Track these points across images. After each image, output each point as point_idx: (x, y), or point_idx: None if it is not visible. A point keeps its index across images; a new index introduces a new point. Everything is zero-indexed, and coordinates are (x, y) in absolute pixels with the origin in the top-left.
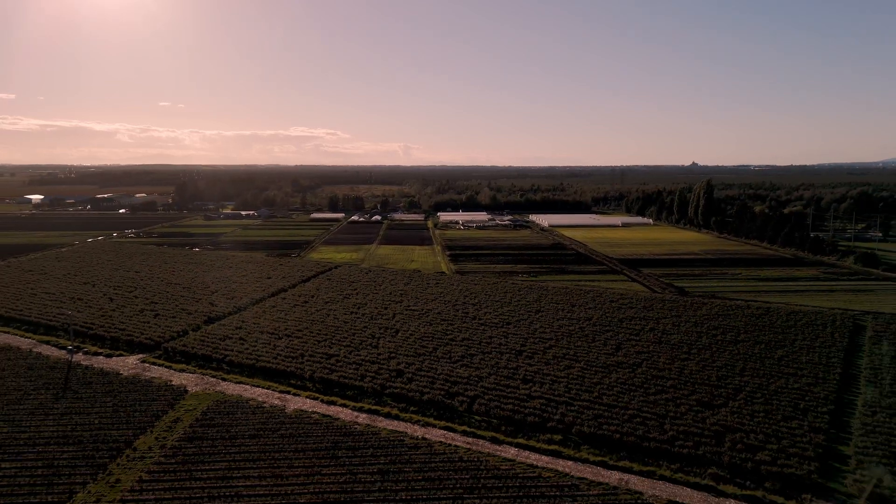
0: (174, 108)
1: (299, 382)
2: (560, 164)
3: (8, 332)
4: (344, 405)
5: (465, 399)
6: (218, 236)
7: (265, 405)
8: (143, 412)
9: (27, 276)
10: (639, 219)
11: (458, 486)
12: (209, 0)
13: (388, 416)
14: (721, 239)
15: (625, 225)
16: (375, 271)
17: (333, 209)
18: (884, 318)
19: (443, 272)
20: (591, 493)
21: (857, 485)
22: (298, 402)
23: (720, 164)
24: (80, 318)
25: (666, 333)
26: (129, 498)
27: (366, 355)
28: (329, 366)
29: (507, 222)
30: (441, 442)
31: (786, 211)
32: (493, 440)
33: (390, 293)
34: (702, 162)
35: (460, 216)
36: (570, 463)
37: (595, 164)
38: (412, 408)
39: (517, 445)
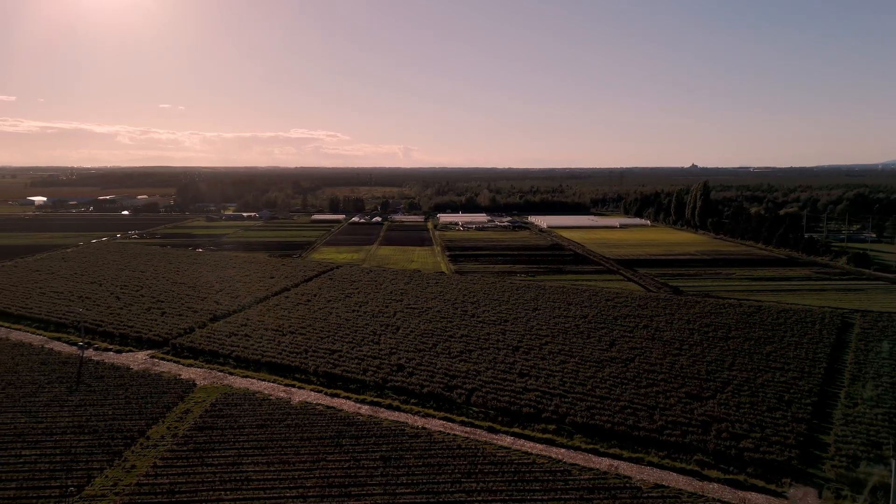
0: (174, 109)
1: (303, 376)
2: (560, 166)
3: (20, 330)
4: (347, 398)
5: (463, 392)
6: (220, 237)
7: (271, 397)
8: (154, 404)
9: (35, 275)
10: (636, 220)
11: (456, 471)
12: (209, 2)
13: (389, 407)
14: (717, 240)
15: (622, 226)
16: (376, 271)
17: (334, 211)
18: (872, 316)
19: (442, 272)
20: (582, 477)
21: (833, 470)
22: (303, 395)
23: (720, 166)
24: (89, 315)
25: (659, 330)
26: (144, 482)
27: (368, 351)
28: (332, 361)
29: (506, 223)
30: (440, 431)
31: (781, 212)
32: (490, 430)
33: (391, 292)
34: (701, 164)
35: (460, 217)
36: (562, 450)
37: (595, 166)
38: (413, 400)
39: (513, 434)
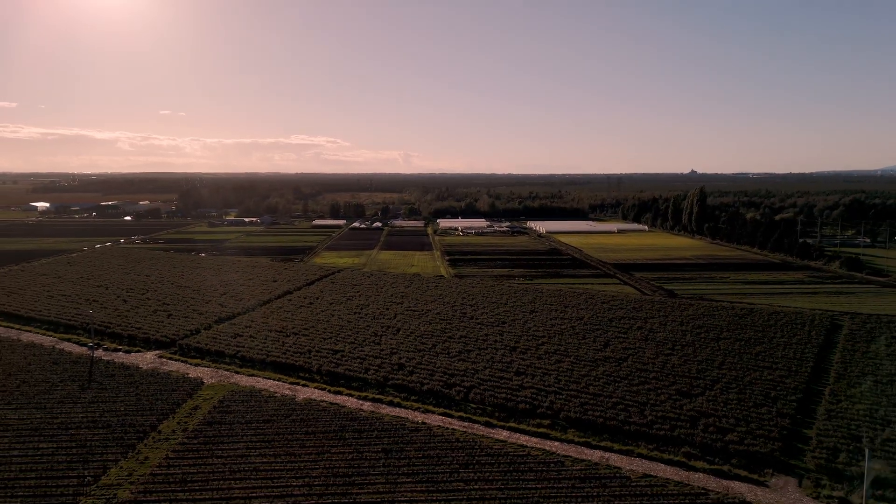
0: (175, 116)
1: (307, 375)
2: (559, 172)
3: (30, 331)
4: (349, 395)
5: (461, 389)
6: (223, 242)
7: (277, 395)
8: (164, 401)
9: (42, 279)
10: (634, 225)
11: (454, 462)
12: (210, 9)
13: (390, 403)
14: (713, 245)
15: (620, 231)
16: (377, 275)
17: (335, 216)
18: (860, 318)
19: (442, 276)
20: (574, 468)
21: (813, 461)
22: (307, 392)
23: (719, 172)
24: (98, 317)
25: (652, 332)
26: (158, 472)
27: (369, 351)
28: (335, 360)
29: (505, 229)
30: (439, 426)
31: (777, 218)
32: (487, 424)
33: (391, 295)
34: (701, 169)
35: (459, 223)
36: (556, 443)
37: (594, 172)
38: (413, 397)
39: (509, 429)
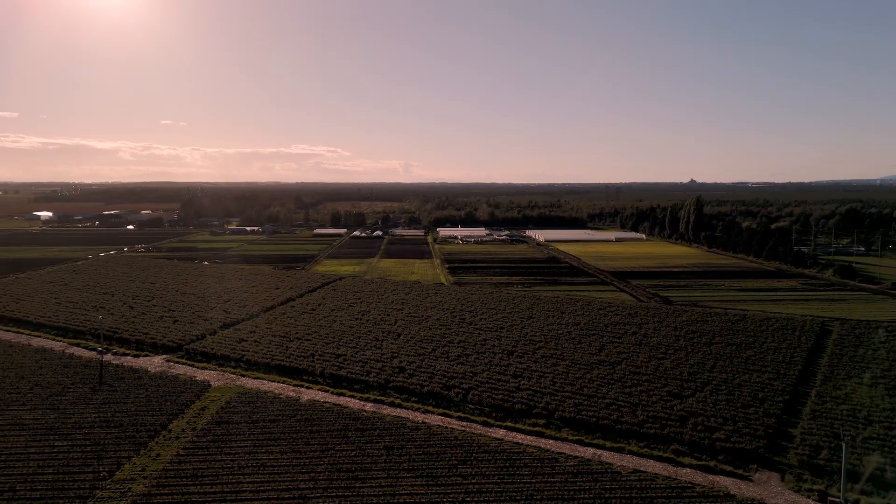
0: (176, 125)
1: (311, 378)
2: (559, 182)
3: (40, 336)
4: (352, 396)
5: (460, 391)
6: (225, 251)
7: (282, 396)
8: (173, 402)
9: (49, 287)
10: (632, 234)
11: (453, 458)
12: (211, 19)
13: (391, 404)
14: (710, 253)
15: (618, 240)
16: (378, 283)
17: (336, 225)
18: (850, 324)
19: (441, 283)
20: (567, 464)
21: (796, 457)
22: (311, 394)
23: (718, 182)
24: (105, 323)
25: (647, 337)
26: (170, 468)
27: (371, 355)
28: (337, 364)
29: (504, 237)
30: (439, 425)
31: (772, 226)
32: (485, 423)
33: (392, 302)
34: (700, 179)
35: (459, 231)
36: (551, 441)
37: (594, 182)
38: (413, 398)
39: (506, 428)
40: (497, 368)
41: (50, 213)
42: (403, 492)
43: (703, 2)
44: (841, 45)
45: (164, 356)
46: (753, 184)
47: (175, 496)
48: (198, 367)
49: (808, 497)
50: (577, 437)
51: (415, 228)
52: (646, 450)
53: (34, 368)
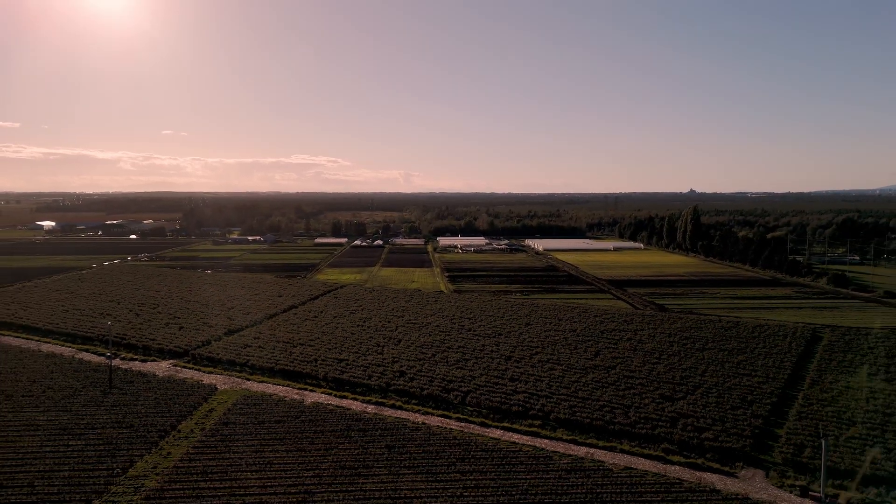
0: (177, 136)
1: (314, 382)
2: (559, 191)
3: (50, 342)
4: (354, 399)
5: (459, 394)
6: (227, 260)
7: (286, 398)
8: (181, 404)
9: (55, 295)
10: (630, 243)
11: (451, 456)
12: (212, 30)
13: (392, 406)
14: (707, 262)
15: (616, 249)
16: (378, 291)
17: (337, 234)
18: (840, 331)
19: (441, 291)
20: (561, 462)
21: (781, 455)
22: (315, 397)
23: (718, 192)
24: (113, 329)
25: (641, 342)
26: (181, 465)
27: (372, 360)
28: (340, 368)
29: (503, 246)
30: (438, 426)
31: (769, 236)
32: (483, 424)
33: (393, 309)
34: (700, 189)
35: (459, 241)
36: (546, 441)
37: (593, 192)
38: (413, 401)
39: (503, 428)
40: (495, 372)
41: (53, 223)
42: (404, 487)
43: (702, 12)
44: (842, 56)
45: (171, 361)
46: (753, 194)
47: (186, 491)
48: (204, 372)
49: (790, 492)
50: (572, 437)
51: (415, 238)
52: (637, 449)
53: (45, 373)
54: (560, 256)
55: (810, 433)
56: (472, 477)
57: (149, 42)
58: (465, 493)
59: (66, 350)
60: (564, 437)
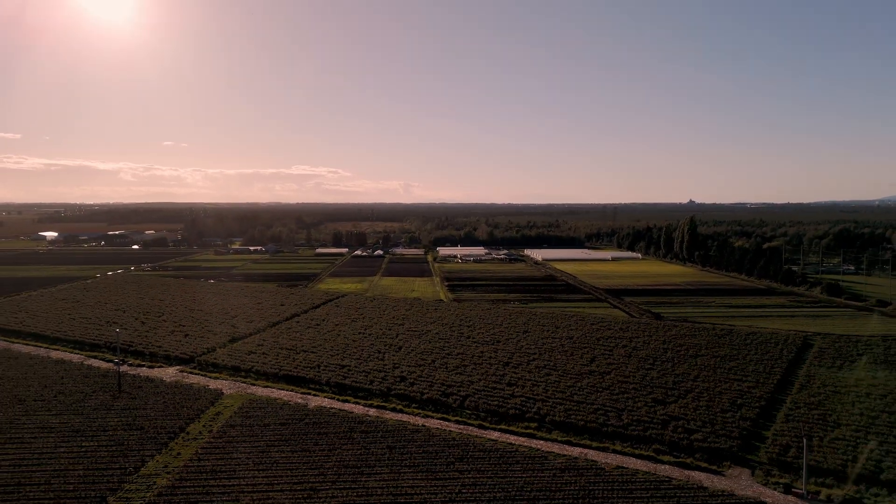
0: (177, 147)
1: (317, 387)
2: (558, 202)
3: (58, 349)
4: (356, 403)
5: (458, 398)
6: (230, 269)
7: (290, 403)
8: (189, 408)
9: (62, 303)
10: (628, 253)
11: (450, 456)
12: (213, 41)
13: (393, 410)
14: (703, 272)
15: (614, 259)
16: (379, 299)
17: (337, 244)
18: (831, 338)
19: (441, 300)
20: (556, 461)
21: (766, 455)
22: (318, 401)
23: (718, 202)
24: (120, 337)
25: (636, 349)
26: (190, 465)
27: (373, 366)
28: (342, 374)
29: (502, 256)
30: (437, 428)
31: (765, 246)
32: (480, 427)
33: (393, 317)
34: (699, 199)
35: (458, 251)
36: (541, 442)
37: (593, 202)
38: (414, 405)
39: (500, 430)
40: (493, 378)
41: (55, 234)
42: (405, 484)
43: (702, 22)
44: (843, 66)
45: (178, 367)
46: (752, 204)
47: (197, 488)
48: (210, 377)
49: (774, 489)
50: (566, 439)
51: (415, 248)
52: (629, 449)
53: (55, 378)
54: (559, 266)
55: (796, 434)
56: (470, 475)
57: (150, 54)
58: (464, 490)
59: (75, 357)
60: (559, 439)
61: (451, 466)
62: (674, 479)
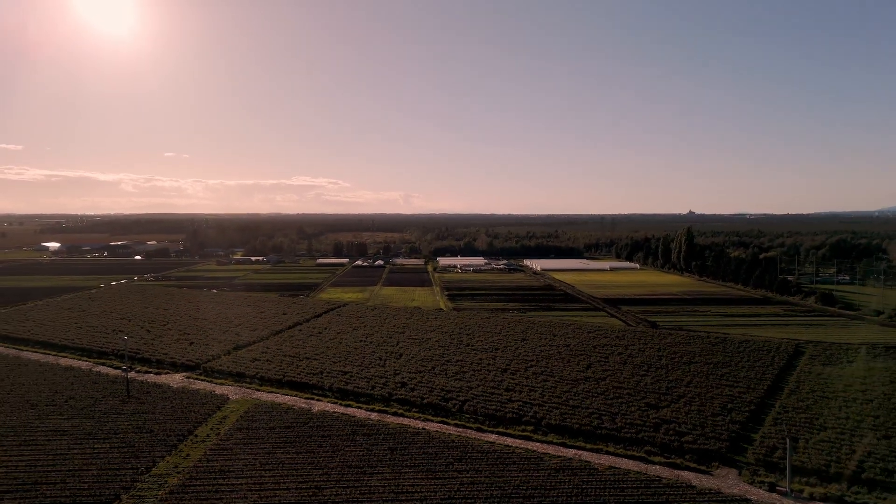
0: (178, 157)
1: (320, 392)
2: (558, 213)
3: (67, 357)
4: (358, 407)
5: (457, 402)
6: (232, 279)
7: (294, 407)
8: (196, 412)
9: (68, 313)
10: (626, 263)
11: (449, 457)
12: (215, 53)
13: (394, 414)
14: (700, 281)
15: (612, 269)
16: (380, 309)
17: (338, 255)
18: (823, 346)
19: (441, 309)
20: (551, 462)
21: (754, 456)
22: (321, 406)
23: (717, 213)
24: (127, 344)
25: (631, 357)
26: (200, 465)
27: (375, 372)
28: (344, 380)
29: (502, 266)
30: (437, 431)
31: (761, 256)
32: (479, 430)
33: (394, 326)
34: (699, 210)
35: (458, 261)
36: (537, 444)
37: (593, 213)
38: (414, 409)
39: (497, 433)
40: (491, 384)
41: (58, 244)
42: (406, 483)
43: (702, 34)
44: (843, 77)
45: (184, 374)
46: (752, 215)
47: (207, 486)
48: (216, 383)
49: (759, 487)
50: (561, 441)
51: (415, 258)
52: (621, 450)
53: (65, 384)
54: (557, 276)
55: (783, 437)
56: (468, 474)
57: (151, 65)
58: (462, 489)
59: (83, 364)
60: (555, 441)
61: (450, 466)
62: (664, 479)
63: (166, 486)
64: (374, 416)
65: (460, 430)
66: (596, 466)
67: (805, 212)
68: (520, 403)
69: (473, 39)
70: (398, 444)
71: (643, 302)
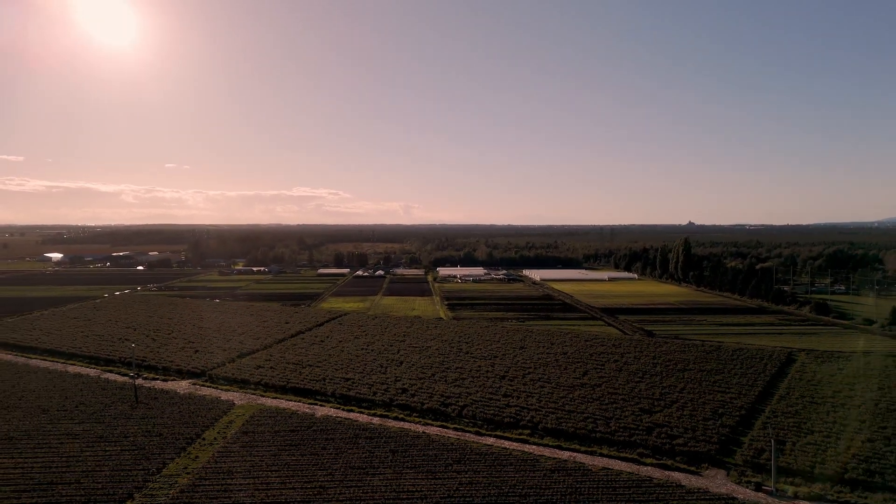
0: (179, 168)
1: (323, 398)
2: (557, 223)
3: (75, 364)
4: (360, 412)
5: (456, 407)
6: (234, 289)
7: (298, 412)
8: (203, 416)
9: (73, 322)
10: (625, 274)
11: (449, 459)
12: (216, 64)
13: (395, 418)
14: (697, 291)
15: (611, 279)
16: (381, 318)
17: (339, 265)
18: (815, 354)
19: (441, 318)
20: (547, 463)
21: (742, 457)
22: (324, 411)
23: (717, 224)
24: (134, 352)
25: (627, 364)
26: (208, 466)
27: (376, 379)
28: (346, 386)
29: (501, 276)
30: (437, 434)
31: (757, 267)
32: (477, 433)
33: (394, 334)
34: (699, 221)
35: (458, 271)
36: (534, 447)
37: (592, 223)
38: (414, 414)
39: (495, 436)
40: (490, 390)
41: (60, 255)
42: (406, 483)
43: (701, 44)
44: (844, 88)
45: (190, 380)
46: (751, 226)
47: (216, 486)
48: (221, 389)
49: (746, 487)
50: (557, 444)
51: (415, 268)
52: (615, 453)
53: (75, 391)
54: (556, 286)
55: (769, 440)
56: (466, 475)
57: (152, 76)
58: (461, 488)
59: (91, 371)
60: (551, 444)
61: (450, 467)
62: (655, 479)
63: (177, 485)
64: (376, 420)
65: (459, 433)
66: (590, 467)
67: (805, 222)
68: (517, 408)
69: (473, 52)
70: (399, 447)
71: (640, 311)
